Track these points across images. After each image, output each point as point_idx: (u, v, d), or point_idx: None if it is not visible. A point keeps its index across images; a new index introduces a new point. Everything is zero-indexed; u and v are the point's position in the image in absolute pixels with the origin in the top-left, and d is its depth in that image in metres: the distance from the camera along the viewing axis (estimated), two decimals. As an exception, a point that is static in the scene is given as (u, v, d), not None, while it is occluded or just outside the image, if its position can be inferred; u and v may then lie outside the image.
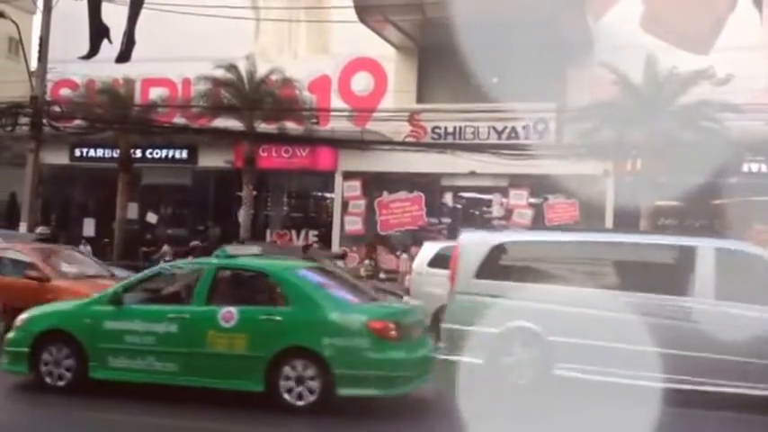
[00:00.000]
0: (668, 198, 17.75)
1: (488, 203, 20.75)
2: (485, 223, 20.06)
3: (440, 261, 12.70)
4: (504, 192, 20.29)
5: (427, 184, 20.85)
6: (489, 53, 19.62)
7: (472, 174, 19.85)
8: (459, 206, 21.24)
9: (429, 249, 13.82)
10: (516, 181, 19.81)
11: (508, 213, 20.08)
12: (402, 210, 20.86)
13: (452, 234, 20.58)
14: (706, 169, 16.06)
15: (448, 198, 21.09)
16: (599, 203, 18.77)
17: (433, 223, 20.75)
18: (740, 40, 17.17)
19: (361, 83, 21.90)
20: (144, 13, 22.70)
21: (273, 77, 19.97)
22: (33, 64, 20.06)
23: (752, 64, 16.57)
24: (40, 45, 19.84)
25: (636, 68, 16.88)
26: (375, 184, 21.24)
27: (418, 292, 12.85)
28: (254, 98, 19.91)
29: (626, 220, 17.90)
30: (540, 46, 18.76)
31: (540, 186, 19.61)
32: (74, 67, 21.74)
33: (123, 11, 22.50)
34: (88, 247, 21.74)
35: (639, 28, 18.45)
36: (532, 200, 19.93)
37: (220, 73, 19.91)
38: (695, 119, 16.61)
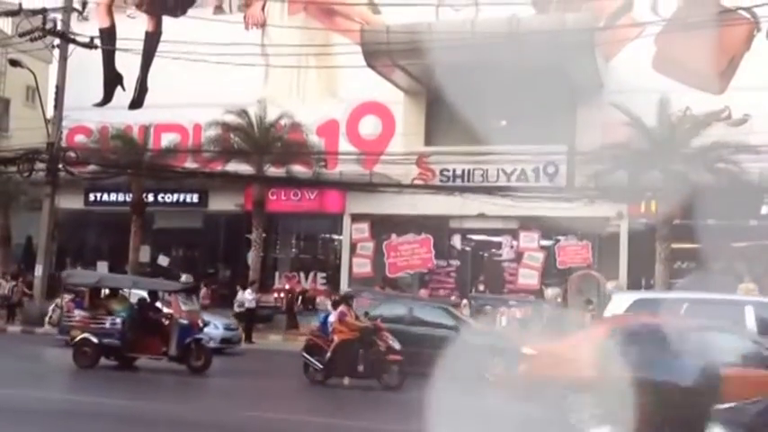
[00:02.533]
0: (684, 241, 15.88)
1: (498, 246, 18.93)
2: (495, 266, 18.29)
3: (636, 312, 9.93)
4: (514, 234, 18.48)
5: (436, 227, 19.11)
6: (498, 96, 18.17)
7: (481, 216, 18.11)
8: (467, 249, 19.44)
9: (620, 301, 10.82)
10: (526, 223, 18.01)
11: (518, 256, 18.27)
12: (410, 252, 19.10)
13: (461, 277, 19.06)
14: (723, 212, 14.33)
15: (456, 240, 19.33)
16: (612, 246, 16.93)
17: (441, 266, 18.98)
18: (756, 80, 15.43)
19: (369, 126, 20.37)
20: (156, 61, 21.70)
21: (282, 122, 18.73)
22: (50, 111, 18.91)
23: (769, 104, 14.83)
24: (56, 93, 18.86)
25: (648, 110, 15.19)
26: (383, 226, 19.54)
27: None
28: (263, 143, 18.68)
29: (641, 264, 16.12)
30: (550, 88, 17.19)
31: (551, 229, 17.78)
32: (88, 114, 20.64)
33: (136, 59, 21.48)
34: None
35: (652, 69, 16.79)
36: (543, 242, 18.09)
37: (230, 118, 18.79)
38: (711, 160, 14.85)
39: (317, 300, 18.90)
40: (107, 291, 12.65)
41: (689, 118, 15.02)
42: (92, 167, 19.85)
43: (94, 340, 11.48)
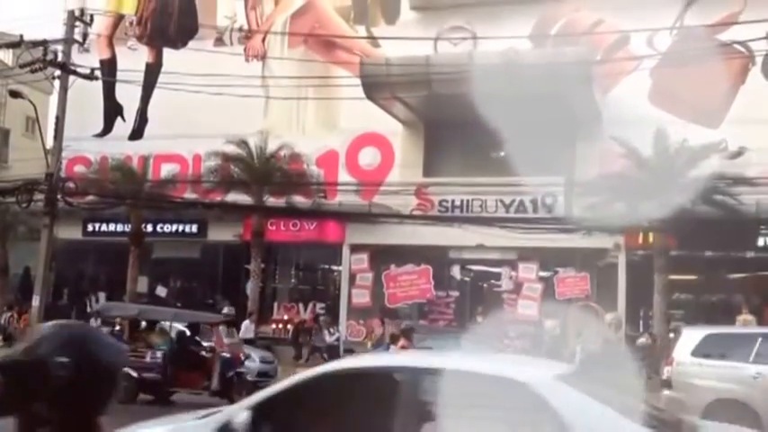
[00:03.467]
0: (682, 272, 15.96)
1: (497, 276, 18.96)
2: (494, 297, 18.31)
3: (706, 348, 9.98)
4: (513, 265, 18.51)
5: (435, 257, 19.14)
6: (495, 127, 18.35)
7: (480, 247, 18.15)
8: (467, 279, 19.47)
9: (692, 336, 10.68)
10: (525, 254, 18.06)
11: (517, 287, 18.29)
12: (409, 283, 19.10)
13: (460, 307, 19.03)
14: (720, 243, 14.45)
15: (456, 271, 19.36)
16: (611, 277, 16.98)
17: (440, 296, 18.98)
18: (752, 113, 15.64)
19: (369, 157, 20.51)
20: (156, 92, 21.86)
21: (282, 153, 18.81)
22: (49, 142, 18.97)
23: (765, 137, 14.99)
24: (56, 124, 18.88)
25: (646, 142, 15.35)
26: (382, 256, 19.56)
27: (681, 384, 10.09)
28: (263, 173, 18.74)
29: (639, 295, 16.16)
30: (548, 120, 17.39)
31: (550, 260, 17.87)
32: (88, 145, 20.70)
33: (136, 90, 21.65)
34: (99, 321, 20.22)
35: (648, 102, 17.01)
36: (542, 273, 18.13)
37: (230, 149, 18.87)
38: (708, 192, 14.96)
39: (313, 330, 18.81)
40: (144, 323, 12.45)
41: (686, 150, 15.14)
42: (90, 198, 19.88)
43: (134, 374, 11.20)
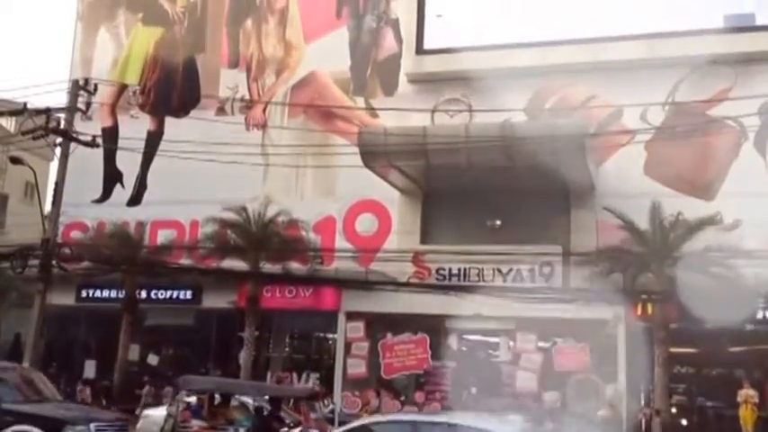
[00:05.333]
0: (683, 345, 15.84)
1: (495, 347, 18.74)
2: (492, 368, 18.07)
3: None
4: (511, 335, 18.34)
5: (432, 326, 18.93)
6: (492, 197, 18.56)
7: (477, 316, 18.03)
8: (464, 349, 19.24)
9: None
10: (523, 324, 17.89)
11: (516, 358, 18.06)
12: (406, 352, 18.83)
13: (457, 379, 18.74)
14: (719, 316, 14.38)
15: (453, 341, 19.15)
16: (610, 349, 16.81)
17: (437, 367, 18.71)
18: (746, 186, 15.87)
19: (366, 224, 20.58)
20: (156, 159, 22.13)
21: (280, 219, 18.86)
22: (47, 207, 19.05)
23: (760, 209, 15.17)
24: (55, 190, 19.00)
25: (641, 213, 15.50)
26: (379, 325, 19.35)
27: None
28: (260, 239, 18.74)
29: (639, 368, 15.97)
30: (544, 190, 17.62)
31: (549, 330, 17.69)
32: (86, 211, 20.84)
33: (137, 157, 21.91)
34: (87, 391, 19.84)
35: (643, 174, 17.27)
36: (541, 344, 17.94)
37: (228, 215, 18.93)
38: (705, 264, 15.03)
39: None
40: (219, 397, 11.83)
41: (681, 222, 15.29)
42: (86, 263, 19.80)
43: None
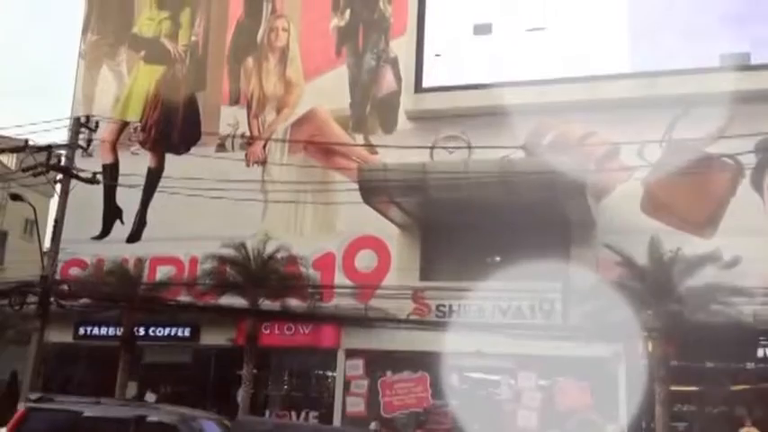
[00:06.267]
0: (683, 383, 15.85)
1: (496, 384, 18.72)
2: (493, 406, 18.03)
3: None
4: (511, 373, 18.35)
5: (432, 364, 18.91)
6: (491, 232, 18.72)
7: (478, 353, 18.06)
8: (465, 387, 19.20)
9: None
10: (524, 362, 17.91)
11: (517, 395, 18.04)
12: (406, 390, 18.81)
13: (458, 417, 18.65)
14: (720, 354, 14.46)
15: (453, 378, 19.12)
16: (611, 387, 16.81)
17: (437, 405, 18.65)
18: (744, 223, 16.07)
19: (365, 260, 20.74)
20: (156, 196, 22.39)
21: (279, 255, 18.98)
22: (47, 244, 19.21)
23: (758, 247, 15.33)
24: (55, 227, 19.16)
25: (640, 250, 15.64)
26: (378, 362, 19.36)
27: None
28: (259, 275, 18.84)
29: (640, 405, 15.96)
30: (543, 225, 17.79)
31: (550, 368, 17.71)
32: (85, 247, 21.01)
33: (137, 193, 22.18)
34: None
35: (641, 211, 17.47)
36: (542, 382, 17.93)
37: (227, 251, 19.04)
38: (705, 301, 15.11)
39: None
40: None
41: (680, 259, 15.40)
42: (84, 300, 19.87)
43: None
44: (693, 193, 17.25)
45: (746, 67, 18.19)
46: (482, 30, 20.48)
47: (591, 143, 18.69)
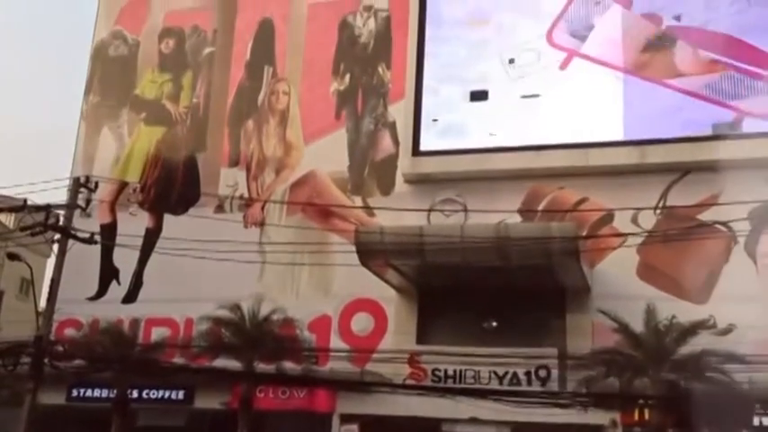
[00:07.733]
0: (682, 452, 15.89)
1: (492, 452, 18.72)
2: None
3: None
4: (507, 440, 18.39)
5: (427, 430, 18.99)
6: (487, 297, 19.03)
7: (473, 420, 18.15)
8: (460, 456, 19.18)
9: None
10: (520, 429, 18.01)
11: (513, 463, 18.06)
12: (402, 458, 18.83)
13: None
14: (716, 421, 14.58)
15: (449, 446, 19.14)
16: (608, 456, 16.88)
17: (434, 472, 18.62)
18: (738, 290, 16.42)
19: (361, 323, 20.97)
20: (153, 256, 22.75)
21: (275, 317, 19.19)
22: (43, 303, 19.45)
23: (752, 314, 15.65)
24: (51, 286, 19.41)
25: (636, 316, 15.95)
26: (374, 428, 19.40)
27: None
28: (254, 337, 19.00)
29: (639, 476, 16.00)
30: (539, 290, 18.11)
31: (546, 436, 17.78)
32: (80, 307, 21.19)
33: (134, 253, 22.54)
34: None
35: (636, 277, 17.85)
36: (539, 451, 17.96)
37: (223, 312, 19.26)
38: (701, 369, 15.34)
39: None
40: None
41: (676, 326, 15.70)
42: (78, 362, 19.97)
43: None
44: (687, 260, 17.65)
45: (738, 135, 18.82)
46: (478, 96, 21.24)
47: (585, 209, 19.18)
